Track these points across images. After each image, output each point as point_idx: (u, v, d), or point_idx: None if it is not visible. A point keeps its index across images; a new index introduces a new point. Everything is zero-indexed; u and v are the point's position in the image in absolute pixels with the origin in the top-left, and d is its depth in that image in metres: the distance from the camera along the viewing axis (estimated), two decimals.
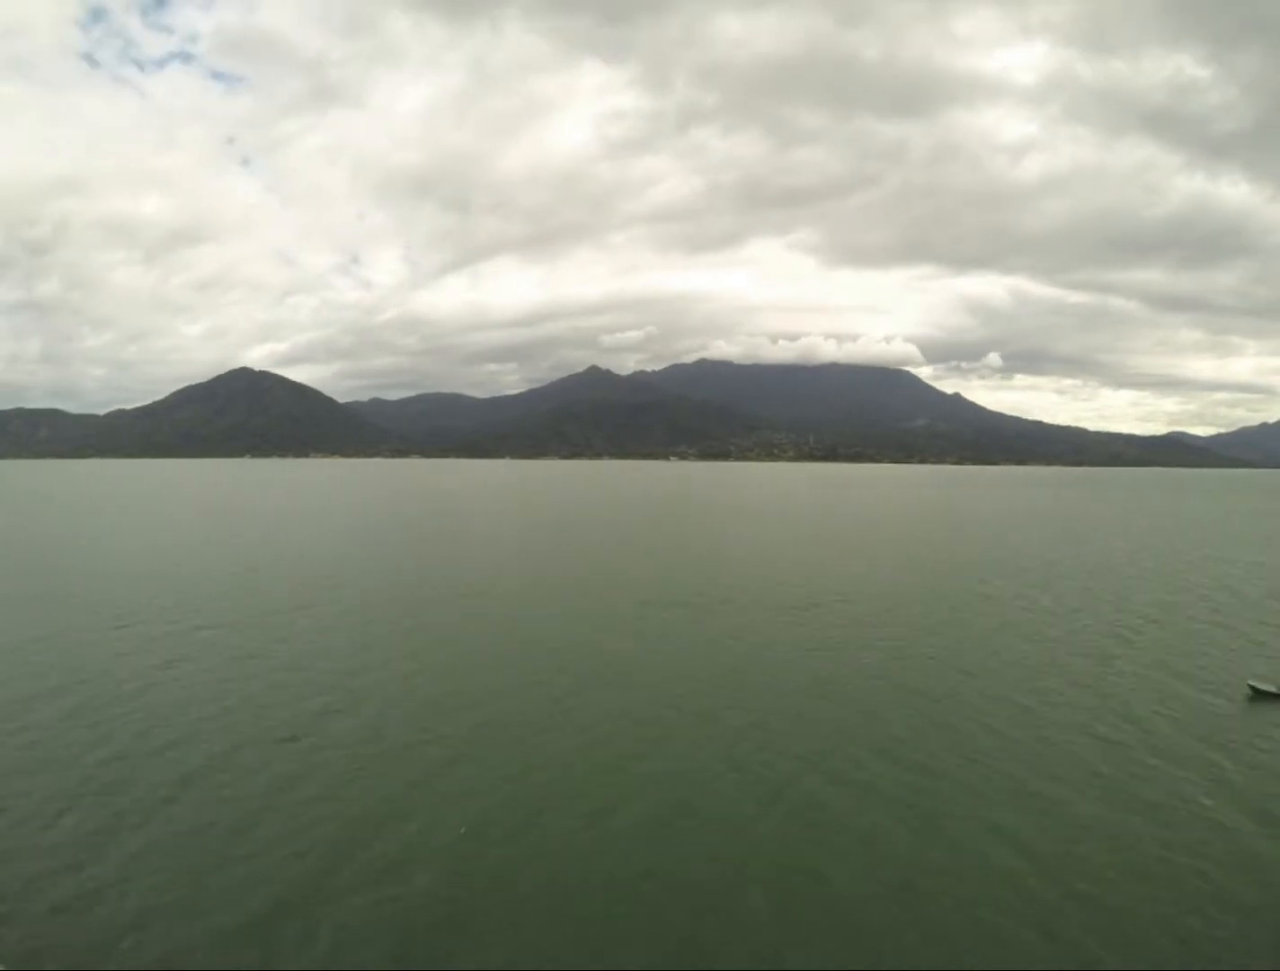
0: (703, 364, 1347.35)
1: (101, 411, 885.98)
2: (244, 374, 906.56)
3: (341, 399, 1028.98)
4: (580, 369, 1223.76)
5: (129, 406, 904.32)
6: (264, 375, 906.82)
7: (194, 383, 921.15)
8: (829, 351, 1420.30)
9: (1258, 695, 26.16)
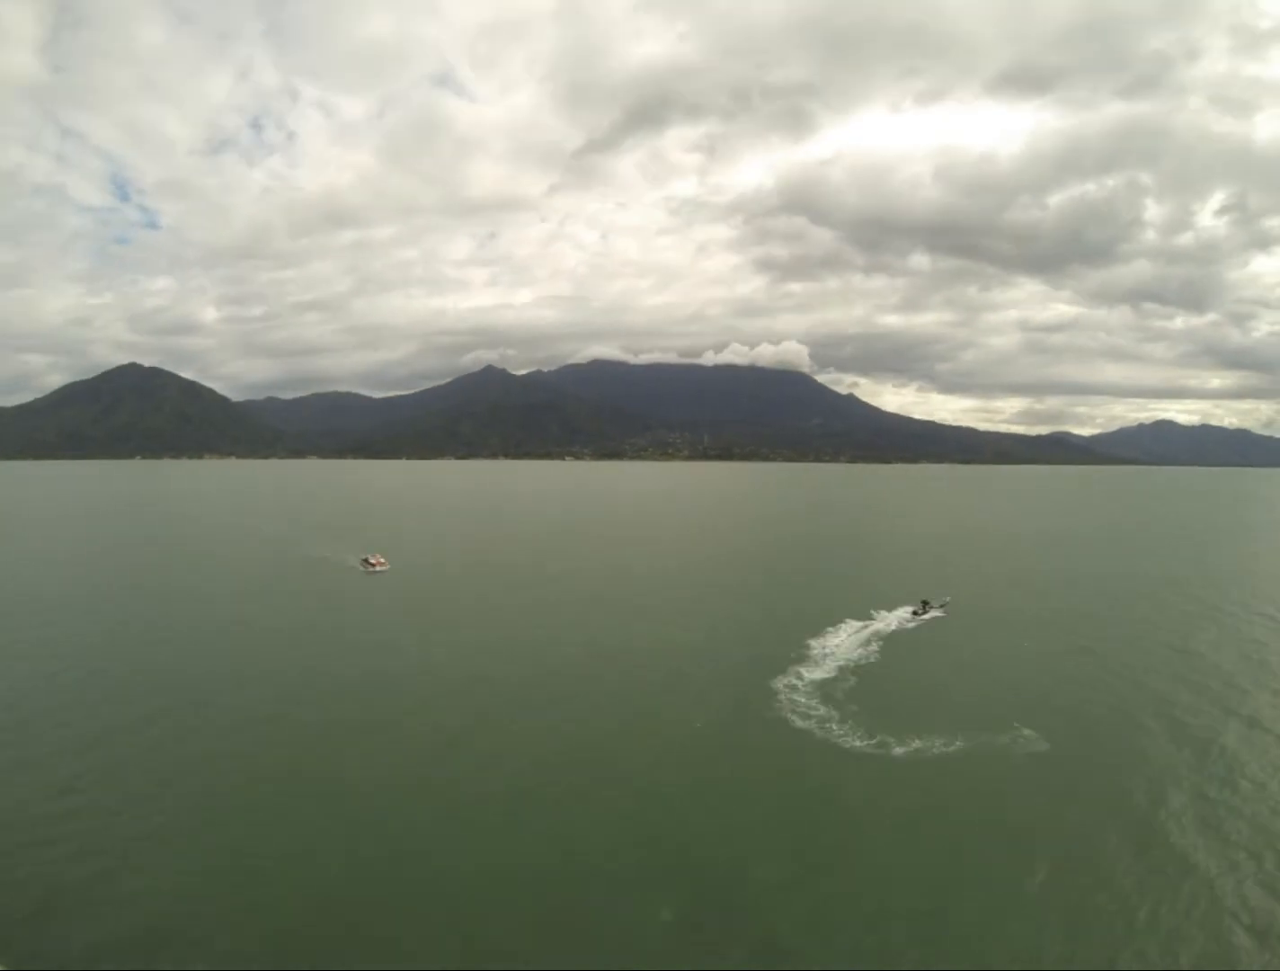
0: (596, 364, 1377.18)
1: None
2: (133, 370, 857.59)
3: (236, 397, 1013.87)
4: (476, 369, 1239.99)
5: (8, 403, 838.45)
6: (155, 372, 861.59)
7: (81, 378, 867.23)
8: (722, 354, 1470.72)
9: None
